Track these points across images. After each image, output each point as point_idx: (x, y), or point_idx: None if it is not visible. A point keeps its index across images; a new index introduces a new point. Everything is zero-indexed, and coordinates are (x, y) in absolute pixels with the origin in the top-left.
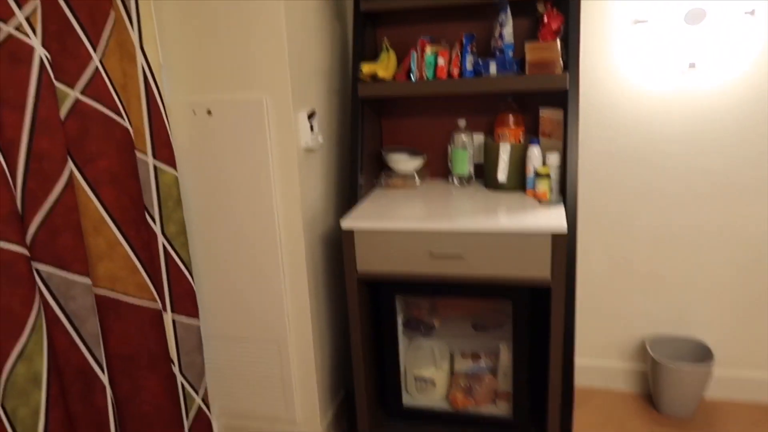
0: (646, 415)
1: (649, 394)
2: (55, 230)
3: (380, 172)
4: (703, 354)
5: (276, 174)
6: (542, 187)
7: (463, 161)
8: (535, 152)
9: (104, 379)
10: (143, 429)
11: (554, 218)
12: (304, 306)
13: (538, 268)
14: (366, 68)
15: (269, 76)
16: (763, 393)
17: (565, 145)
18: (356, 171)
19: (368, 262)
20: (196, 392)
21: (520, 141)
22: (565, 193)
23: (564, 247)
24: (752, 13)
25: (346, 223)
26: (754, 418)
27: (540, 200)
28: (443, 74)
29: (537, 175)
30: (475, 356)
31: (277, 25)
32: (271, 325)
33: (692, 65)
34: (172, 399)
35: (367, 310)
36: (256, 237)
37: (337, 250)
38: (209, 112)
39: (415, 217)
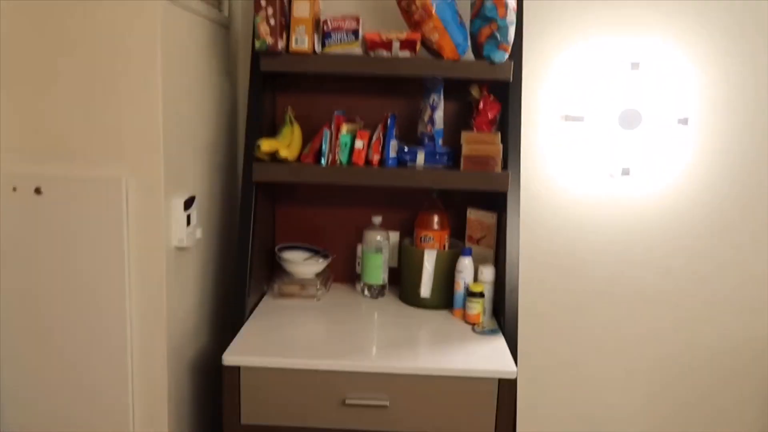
0: None
1: None
2: None
3: (271, 273)
4: None
5: (132, 282)
6: (475, 308)
7: (377, 268)
8: (466, 264)
9: None
10: None
11: (499, 356)
12: None
13: (481, 421)
14: (265, 145)
15: (134, 148)
16: None
17: (499, 256)
18: (245, 279)
19: (257, 410)
20: None
21: (444, 247)
22: (501, 317)
23: (513, 395)
24: (685, 121)
25: (231, 357)
26: None
27: (472, 325)
28: (360, 160)
29: (469, 293)
30: None
31: (150, 76)
32: None
33: (626, 171)
34: None
35: None
36: (97, 369)
37: (213, 382)
38: (38, 191)
39: (322, 349)
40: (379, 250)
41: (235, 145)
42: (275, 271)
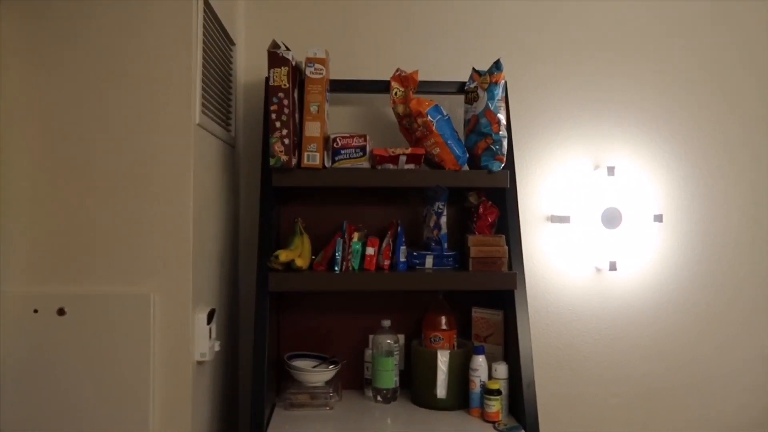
0: None
1: None
2: None
3: (279, 383)
4: None
5: (156, 400)
6: (495, 406)
7: (389, 371)
8: (480, 362)
9: None
10: None
11: None
12: None
13: None
14: (283, 256)
15: (164, 264)
16: None
17: (509, 352)
18: (261, 395)
19: None
20: None
21: (454, 346)
22: (519, 414)
23: None
24: (660, 218)
25: None
26: None
27: (493, 423)
28: (372, 266)
29: (487, 391)
30: None
31: (183, 195)
32: None
33: (613, 266)
34: None
35: None
36: None
37: None
38: (62, 312)
39: None
40: (390, 353)
41: (236, 256)
42: (282, 380)
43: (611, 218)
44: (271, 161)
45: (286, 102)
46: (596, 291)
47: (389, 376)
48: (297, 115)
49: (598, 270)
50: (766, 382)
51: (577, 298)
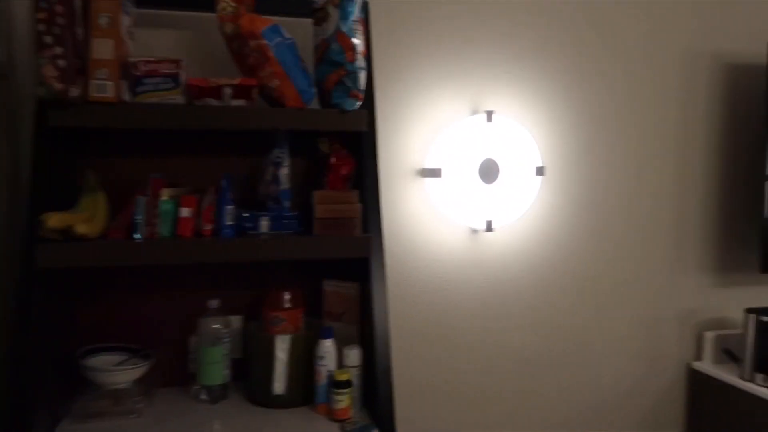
0: None
1: None
2: None
3: (72, 389)
4: None
5: None
6: (343, 401)
7: (216, 364)
8: (328, 348)
9: None
10: None
11: None
12: None
13: None
14: (54, 220)
15: None
16: None
17: (365, 332)
18: (23, 405)
19: None
20: None
21: (300, 328)
22: (375, 407)
23: None
24: (542, 171)
25: None
26: None
27: (341, 422)
28: (187, 231)
29: (334, 382)
30: None
31: None
32: None
33: (489, 225)
34: None
35: None
36: None
37: None
38: None
39: None
40: (217, 341)
41: (19, 222)
42: (79, 385)
43: (488, 171)
44: (40, 91)
45: (59, 9)
46: (472, 255)
47: (217, 369)
48: (80, 31)
49: (474, 231)
50: (643, 347)
51: (450, 263)
